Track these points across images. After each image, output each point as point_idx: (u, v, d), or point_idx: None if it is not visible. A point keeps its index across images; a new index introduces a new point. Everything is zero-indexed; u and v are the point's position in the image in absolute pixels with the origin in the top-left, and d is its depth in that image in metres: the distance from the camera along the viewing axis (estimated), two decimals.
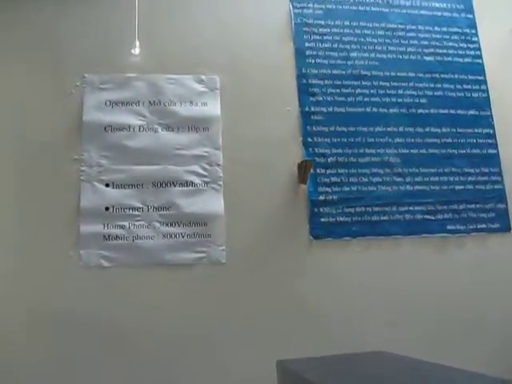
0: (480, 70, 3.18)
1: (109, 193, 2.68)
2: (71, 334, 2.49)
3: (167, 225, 2.68)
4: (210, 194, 2.74)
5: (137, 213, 2.67)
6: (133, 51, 2.81)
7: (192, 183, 2.74)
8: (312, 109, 2.93)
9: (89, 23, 2.89)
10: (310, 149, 2.88)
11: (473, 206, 2.97)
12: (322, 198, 2.82)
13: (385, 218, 2.86)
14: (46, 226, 2.61)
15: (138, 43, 2.79)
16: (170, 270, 2.64)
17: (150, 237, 2.65)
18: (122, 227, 2.65)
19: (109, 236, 2.63)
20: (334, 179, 2.86)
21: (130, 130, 2.76)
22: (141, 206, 2.68)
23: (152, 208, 2.69)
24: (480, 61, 3.20)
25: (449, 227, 2.92)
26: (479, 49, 3.21)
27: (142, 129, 2.77)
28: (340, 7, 3.12)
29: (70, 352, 2.47)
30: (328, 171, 2.86)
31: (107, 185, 2.69)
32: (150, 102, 2.81)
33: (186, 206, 2.71)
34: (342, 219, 2.82)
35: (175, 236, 2.67)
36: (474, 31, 3.24)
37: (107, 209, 2.66)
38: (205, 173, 2.76)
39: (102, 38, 2.87)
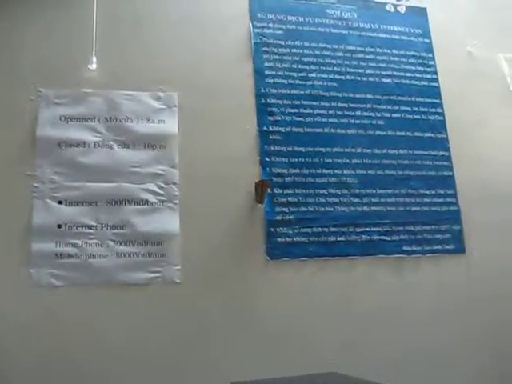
0: (436, 93, 3.24)
1: (62, 210, 2.61)
2: (19, 353, 2.40)
3: (121, 244, 2.62)
4: (166, 213, 2.70)
5: (90, 231, 2.61)
6: (90, 66, 2.76)
7: (147, 202, 2.69)
8: (270, 128, 2.93)
9: (46, 37, 2.83)
10: (268, 168, 2.87)
11: (428, 227, 3.00)
12: (278, 218, 2.81)
13: (341, 238, 2.86)
14: None
15: (94, 59, 2.74)
16: (123, 289, 2.58)
17: (103, 256, 2.59)
18: (75, 245, 2.57)
19: (61, 254, 2.56)
20: (291, 199, 2.85)
21: (85, 147, 2.70)
22: (94, 224, 2.62)
23: (106, 226, 2.63)
24: (436, 84, 3.26)
25: (404, 248, 2.94)
26: (436, 72, 3.28)
27: (97, 145, 2.71)
28: (300, 28, 3.14)
29: (18, 372, 2.38)
30: (285, 191, 2.86)
31: (60, 202, 2.62)
32: (106, 118, 2.76)
33: (140, 224, 2.66)
34: (298, 239, 2.81)
35: (129, 255, 2.61)
36: (430, 55, 3.31)
37: (60, 226, 2.59)
38: (161, 191, 2.72)
39: (59, 52, 2.80)
